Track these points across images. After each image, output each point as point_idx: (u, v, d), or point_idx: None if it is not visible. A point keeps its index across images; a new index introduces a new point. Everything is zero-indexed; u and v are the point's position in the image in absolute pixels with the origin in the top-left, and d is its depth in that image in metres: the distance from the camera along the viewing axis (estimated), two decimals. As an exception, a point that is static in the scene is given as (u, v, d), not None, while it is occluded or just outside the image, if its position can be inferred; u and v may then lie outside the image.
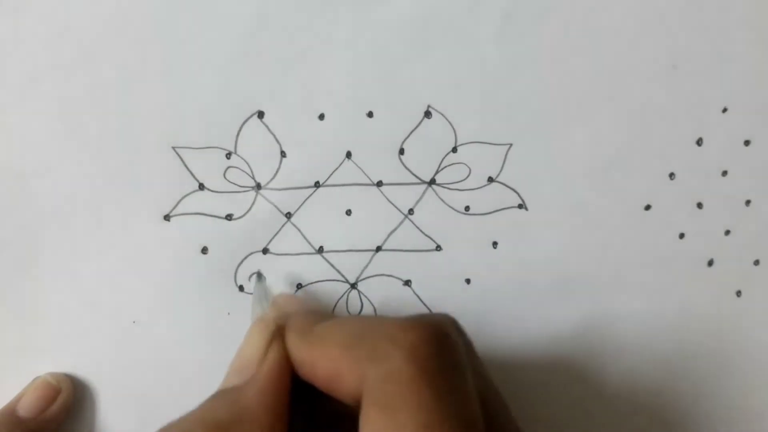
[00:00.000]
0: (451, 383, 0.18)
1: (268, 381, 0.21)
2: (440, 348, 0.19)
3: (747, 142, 0.31)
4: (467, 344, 0.22)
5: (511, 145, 0.30)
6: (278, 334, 0.22)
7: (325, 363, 0.20)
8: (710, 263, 0.32)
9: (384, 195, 0.30)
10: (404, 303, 0.31)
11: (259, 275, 0.30)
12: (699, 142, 0.31)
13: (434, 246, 0.31)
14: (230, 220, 0.30)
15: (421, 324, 0.19)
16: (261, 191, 0.30)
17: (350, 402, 0.19)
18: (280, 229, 0.30)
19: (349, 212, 0.30)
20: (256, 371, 0.21)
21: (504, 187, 0.31)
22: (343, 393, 0.19)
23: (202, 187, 0.30)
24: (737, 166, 0.31)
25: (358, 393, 0.18)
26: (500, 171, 0.31)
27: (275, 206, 0.30)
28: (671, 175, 0.31)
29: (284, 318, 0.23)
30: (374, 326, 0.19)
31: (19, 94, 0.28)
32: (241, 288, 0.30)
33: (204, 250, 0.30)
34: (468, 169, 0.30)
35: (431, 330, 0.19)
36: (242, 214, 0.30)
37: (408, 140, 0.30)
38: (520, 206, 0.31)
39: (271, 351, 0.21)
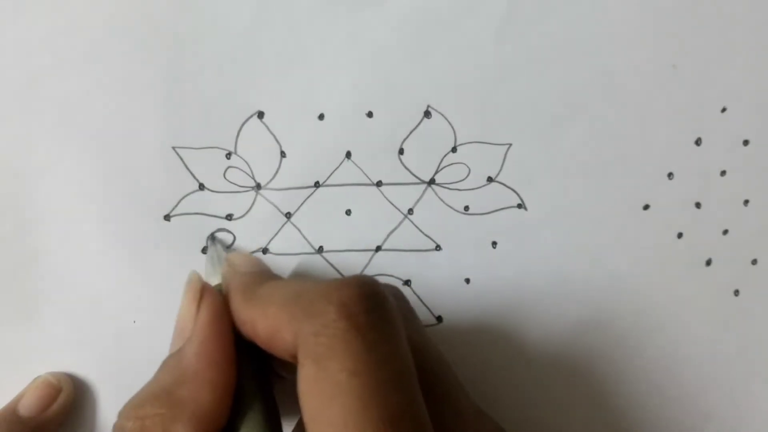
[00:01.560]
0: (381, 335, 0.19)
1: (203, 337, 0.21)
2: (371, 304, 0.19)
3: (746, 142, 0.31)
4: (406, 309, 0.24)
5: (510, 145, 0.30)
6: (208, 290, 0.23)
7: (264, 321, 0.20)
8: (708, 263, 0.32)
9: (384, 195, 0.30)
10: (404, 302, 0.31)
11: (213, 237, 0.30)
12: (698, 141, 0.31)
13: (434, 246, 0.31)
14: (230, 220, 0.30)
15: (354, 282, 0.20)
16: (261, 191, 0.30)
17: (289, 359, 0.20)
18: (280, 229, 0.30)
19: (348, 212, 0.31)
20: (193, 330, 0.22)
21: (503, 187, 0.31)
22: (281, 350, 0.20)
23: (202, 187, 0.30)
24: (736, 165, 0.32)
25: (294, 349, 0.19)
26: (500, 171, 0.31)
27: (275, 206, 0.30)
28: (670, 175, 0.31)
29: (227, 279, 0.24)
30: (311, 286, 0.20)
31: (19, 94, 0.28)
32: (241, 288, 0.31)
33: (204, 250, 0.30)
34: (467, 169, 0.30)
35: (363, 288, 0.19)
36: (242, 214, 0.30)
37: (408, 140, 0.30)
38: (519, 206, 0.31)
39: (202, 309, 0.22)
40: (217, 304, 0.22)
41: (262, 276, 0.24)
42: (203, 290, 0.23)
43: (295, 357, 0.19)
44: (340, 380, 0.17)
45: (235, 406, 0.21)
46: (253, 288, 0.22)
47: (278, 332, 0.20)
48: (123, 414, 0.20)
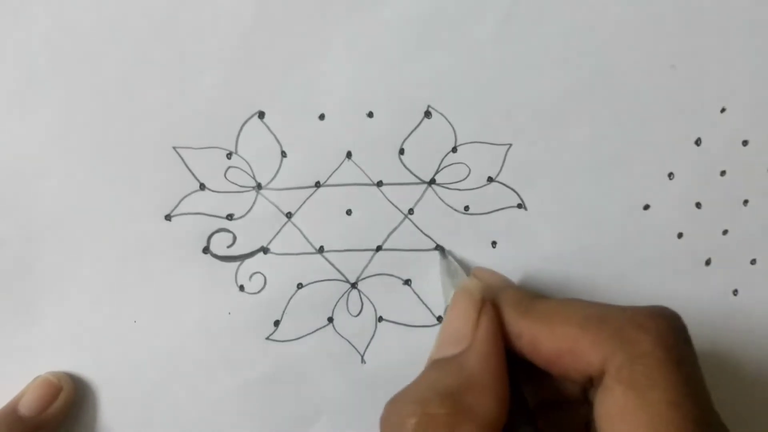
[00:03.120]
0: (693, 369, 0.20)
1: (487, 348, 0.21)
2: (684, 337, 0.20)
3: (745, 143, 0.31)
4: None
5: (510, 145, 0.30)
6: (488, 302, 0.23)
7: (553, 340, 0.21)
8: (708, 262, 0.32)
9: (384, 195, 0.30)
10: (404, 302, 0.31)
11: (442, 250, 0.30)
12: (698, 142, 0.31)
13: (434, 246, 0.31)
14: (231, 219, 0.30)
15: (665, 312, 0.21)
16: (261, 191, 0.30)
17: (578, 379, 0.21)
18: (280, 229, 0.30)
19: (349, 212, 0.31)
20: (474, 339, 0.22)
21: (503, 187, 0.31)
22: (573, 369, 0.21)
23: (202, 187, 0.30)
24: (735, 166, 0.32)
25: (596, 371, 0.20)
26: (500, 171, 0.31)
27: (276, 206, 0.30)
28: (670, 175, 0.31)
29: (488, 290, 0.24)
30: (613, 311, 0.21)
31: (19, 94, 0.28)
32: (241, 288, 0.31)
33: (204, 250, 0.30)
34: (468, 169, 0.31)
35: (676, 320, 0.20)
36: (243, 213, 0.30)
37: (408, 140, 0.30)
38: (519, 206, 0.31)
39: (485, 319, 0.22)
40: (497, 318, 0.22)
41: (527, 292, 0.24)
42: (485, 301, 0.23)
43: (589, 379, 0.20)
44: (660, 411, 0.18)
45: (508, 421, 0.21)
46: (528, 303, 0.23)
47: (574, 353, 0.20)
48: (402, 409, 0.20)
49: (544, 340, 0.21)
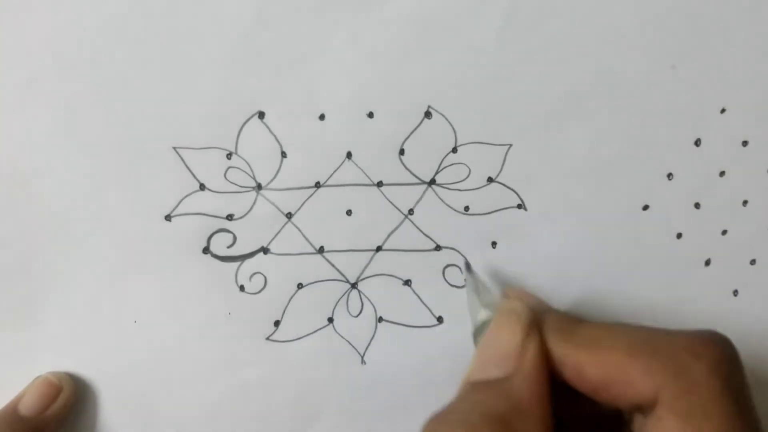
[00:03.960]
0: (747, 400, 0.20)
1: (535, 373, 0.21)
2: (738, 366, 0.20)
3: (745, 143, 0.32)
4: None
5: (510, 145, 0.30)
6: (535, 326, 0.22)
7: (600, 367, 0.20)
8: (707, 263, 0.32)
9: (384, 195, 0.30)
10: (404, 302, 0.31)
11: (468, 266, 0.30)
12: (697, 142, 0.31)
13: (434, 246, 0.31)
14: (231, 220, 0.30)
15: (720, 341, 0.20)
16: (262, 191, 0.30)
17: (627, 407, 0.20)
18: (280, 230, 0.30)
19: (349, 212, 0.31)
20: (520, 363, 0.21)
21: (503, 187, 0.31)
22: (620, 397, 0.20)
23: (202, 187, 0.30)
24: (735, 166, 0.32)
25: (647, 401, 0.19)
26: (500, 171, 0.31)
27: (276, 206, 0.30)
28: (669, 176, 0.31)
29: (530, 312, 0.23)
30: (662, 337, 0.20)
31: (19, 94, 0.28)
32: (241, 288, 0.31)
33: (205, 251, 0.30)
34: (468, 169, 0.31)
35: (730, 348, 0.20)
36: (243, 214, 0.30)
37: (408, 140, 0.30)
38: (519, 206, 0.31)
39: (532, 343, 0.22)
40: (542, 341, 0.22)
41: (569, 316, 0.24)
42: (531, 324, 0.22)
43: (639, 407, 0.20)
44: None
45: None
46: (572, 328, 0.22)
47: (624, 381, 0.20)
48: (448, 426, 0.20)
49: (590, 367, 0.21)
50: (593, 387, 0.21)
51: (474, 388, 0.22)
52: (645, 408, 0.20)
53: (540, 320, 0.23)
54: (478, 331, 0.26)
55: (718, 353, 0.20)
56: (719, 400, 0.18)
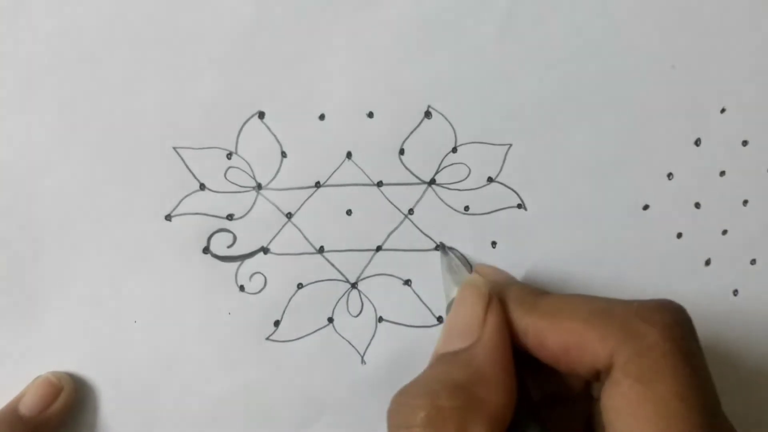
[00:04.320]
0: (699, 361, 0.20)
1: (496, 342, 0.21)
2: (690, 330, 0.20)
3: (745, 143, 0.32)
4: None
5: (510, 145, 0.30)
6: (494, 297, 0.23)
7: (560, 334, 0.21)
8: (707, 262, 0.32)
9: (384, 195, 0.30)
10: (404, 302, 0.31)
11: (443, 246, 0.30)
12: (697, 142, 0.31)
13: (434, 246, 0.31)
14: (231, 220, 0.30)
15: (671, 306, 0.21)
16: (262, 191, 0.30)
17: (584, 374, 0.21)
18: (280, 229, 0.30)
19: (349, 212, 0.31)
20: (482, 334, 0.22)
21: (503, 187, 0.31)
22: (579, 364, 0.21)
23: (202, 187, 0.30)
24: (735, 166, 0.32)
25: (603, 365, 0.20)
26: (500, 171, 0.31)
27: (276, 206, 0.30)
28: (669, 175, 0.31)
29: (493, 286, 0.24)
30: (619, 305, 0.21)
31: (19, 94, 0.28)
32: (241, 288, 0.31)
33: (205, 251, 0.30)
34: (468, 169, 0.31)
35: (682, 313, 0.21)
36: (243, 214, 0.30)
37: (408, 140, 0.30)
38: (519, 206, 0.31)
39: (492, 314, 0.22)
40: (503, 313, 0.23)
41: (530, 288, 0.24)
42: (491, 296, 0.23)
43: (596, 373, 0.20)
44: (667, 402, 0.18)
45: (514, 416, 0.21)
46: (533, 300, 0.23)
47: (581, 347, 0.20)
48: (411, 401, 0.20)
49: (550, 335, 0.21)
50: (554, 355, 0.21)
51: (438, 359, 0.22)
52: (602, 373, 0.20)
53: (503, 293, 0.23)
54: (449, 309, 0.27)
55: (669, 318, 0.20)
56: (671, 361, 0.19)
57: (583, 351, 0.20)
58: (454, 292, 0.27)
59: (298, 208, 0.30)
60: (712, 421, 0.18)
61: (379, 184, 0.30)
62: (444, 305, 0.29)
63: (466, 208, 0.31)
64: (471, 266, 0.31)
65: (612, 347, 0.20)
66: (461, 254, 0.31)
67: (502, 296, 0.23)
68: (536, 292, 0.24)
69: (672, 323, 0.20)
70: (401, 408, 0.21)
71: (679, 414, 0.18)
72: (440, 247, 0.30)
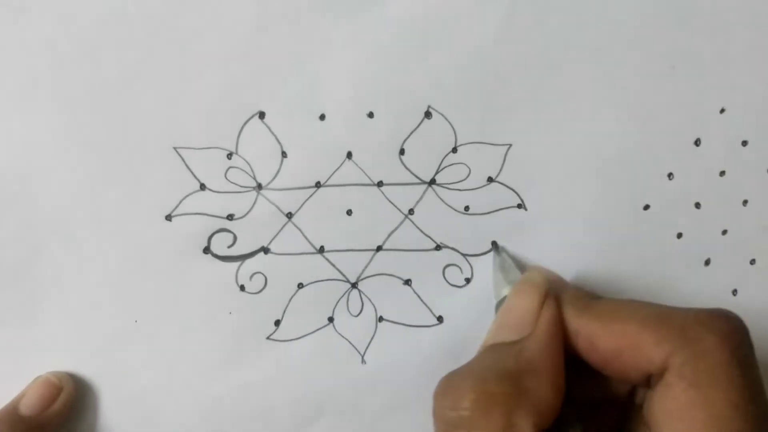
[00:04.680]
0: (755, 372, 0.20)
1: (549, 336, 0.22)
2: (747, 340, 0.20)
3: (745, 143, 0.32)
4: None
5: (510, 145, 0.30)
6: (550, 293, 0.23)
7: (612, 337, 0.21)
8: (707, 262, 0.32)
9: (384, 195, 0.31)
10: (404, 302, 0.31)
11: (496, 245, 0.30)
12: (697, 142, 0.31)
13: (434, 246, 0.31)
14: (231, 220, 0.30)
15: (730, 316, 0.21)
16: (262, 191, 0.30)
17: (634, 377, 0.21)
18: (281, 229, 0.30)
19: (349, 212, 0.31)
20: (535, 328, 0.22)
21: (503, 187, 0.31)
22: (632, 367, 0.21)
23: (203, 187, 0.30)
24: (735, 166, 0.32)
25: (657, 369, 0.20)
26: (500, 171, 0.31)
27: (276, 206, 0.30)
28: (670, 175, 0.31)
29: (549, 285, 0.24)
30: (676, 311, 0.21)
31: (19, 94, 0.28)
32: (242, 288, 0.31)
33: (205, 251, 0.30)
34: (468, 169, 0.31)
35: (740, 323, 0.21)
36: (243, 214, 0.30)
37: (408, 140, 0.30)
38: (519, 206, 0.31)
39: (547, 309, 0.22)
40: (558, 310, 0.23)
41: (585, 291, 0.25)
42: (548, 292, 0.23)
43: (647, 377, 0.20)
44: (721, 410, 0.18)
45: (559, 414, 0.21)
46: (587, 302, 0.23)
47: (635, 350, 0.20)
48: (461, 384, 0.20)
49: (603, 337, 0.21)
50: (605, 358, 0.21)
51: (488, 349, 0.22)
52: (654, 377, 0.20)
53: (558, 292, 0.24)
54: (499, 305, 0.27)
55: (728, 326, 0.20)
56: (727, 369, 0.19)
57: (638, 354, 0.20)
58: (506, 290, 0.27)
59: (299, 208, 0.30)
60: (763, 427, 0.18)
61: (380, 184, 0.30)
62: (493, 304, 0.29)
63: (467, 208, 0.31)
64: (523, 267, 0.31)
65: (668, 351, 0.20)
66: (513, 254, 0.31)
67: (556, 295, 0.23)
68: (591, 295, 0.24)
69: (730, 331, 0.20)
70: (449, 390, 0.21)
71: (731, 421, 0.18)
72: (493, 245, 0.30)
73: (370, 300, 0.31)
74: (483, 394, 0.20)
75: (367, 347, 0.32)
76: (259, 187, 0.30)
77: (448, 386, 0.21)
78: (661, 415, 0.19)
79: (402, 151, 0.30)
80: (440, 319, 0.32)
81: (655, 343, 0.20)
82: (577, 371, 0.23)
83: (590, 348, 0.22)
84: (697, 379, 0.19)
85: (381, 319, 0.32)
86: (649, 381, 0.21)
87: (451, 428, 0.20)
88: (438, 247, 0.31)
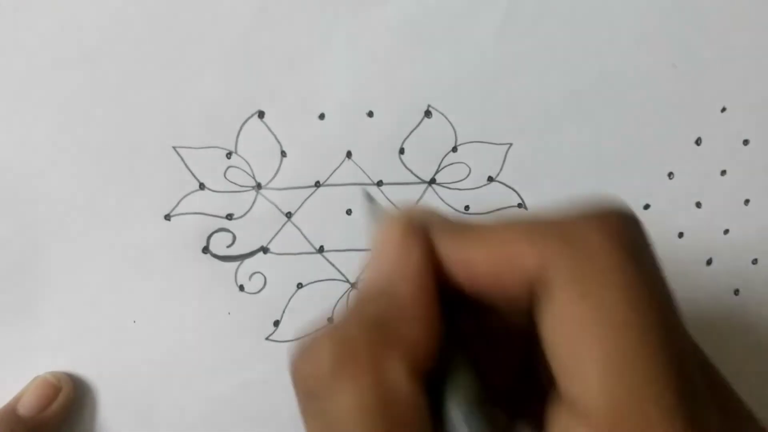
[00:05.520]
0: (653, 265, 0.17)
1: (413, 273, 0.19)
2: (640, 233, 0.17)
3: (746, 142, 0.31)
4: None
5: (510, 144, 0.30)
6: (418, 229, 0.20)
7: (489, 254, 0.18)
8: (709, 262, 0.32)
9: (384, 194, 0.30)
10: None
11: (368, 195, 0.28)
12: (698, 141, 0.31)
13: (434, 245, 0.31)
14: (231, 219, 0.30)
15: (616, 208, 0.17)
16: (261, 191, 0.30)
17: (518, 292, 0.17)
18: (280, 229, 0.30)
19: (349, 212, 0.31)
20: (398, 265, 0.19)
21: (504, 186, 0.31)
22: (511, 285, 0.17)
23: (202, 186, 0.30)
24: (736, 165, 0.32)
25: (538, 279, 0.17)
26: (500, 171, 0.31)
27: (275, 206, 0.30)
28: (670, 175, 0.31)
29: (417, 219, 0.20)
30: (555, 214, 0.18)
31: (18, 94, 0.28)
32: (241, 288, 0.31)
33: (204, 250, 0.30)
34: (468, 169, 0.30)
35: (628, 214, 0.17)
36: (243, 213, 0.30)
37: (408, 140, 0.30)
38: (519, 206, 0.31)
39: (416, 247, 0.19)
40: (427, 243, 0.19)
41: (462, 219, 0.21)
42: (410, 226, 0.20)
43: (531, 290, 0.17)
44: (617, 313, 0.15)
45: (440, 355, 0.19)
46: (462, 229, 0.19)
47: (512, 263, 0.17)
48: (314, 348, 0.17)
49: (479, 260, 0.18)
50: (485, 283, 0.18)
51: (354, 299, 0.20)
52: (540, 291, 0.17)
53: (429, 225, 0.20)
54: None
55: (615, 221, 0.17)
56: (620, 269, 0.16)
57: (515, 269, 0.17)
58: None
59: (298, 208, 0.30)
60: (670, 332, 0.16)
61: (379, 183, 0.30)
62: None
63: (467, 207, 0.31)
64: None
65: (547, 257, 0.17)
66: (390, 201, 0.29)
67: (428, 228, 0.20)
68: (465, 221, 0.20)
69: (619, 227, 0.17)
70: (305, 353, 0.17)
71: (632, 326, 0.15)
72: (364, 193, 0.27)
73: (369, 300, 0.31)
74: (344, 347, 0.17)
75: (367, 347, 0.32)
76: (259, 186, 0.30)
77: (304, 349, 0.17)
78: (551, 329, 0.16)
79: (402, 151, 0.30)
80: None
81: (533, 248, 0.17)
82: (469, 312, 0.20)
83: (470, 275, 0.19)
84: (585, 284, 0.16)
85: (381, 319, 0.31)
86: (535, 294, 0.17)
87: (308, 396, 0.17)
88: (363, 191, 0.30)
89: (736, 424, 0.18)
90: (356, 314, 0.18)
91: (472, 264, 0.18)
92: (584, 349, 0.16)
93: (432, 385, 0.17)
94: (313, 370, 0.17)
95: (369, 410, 0.16)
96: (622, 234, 0.16)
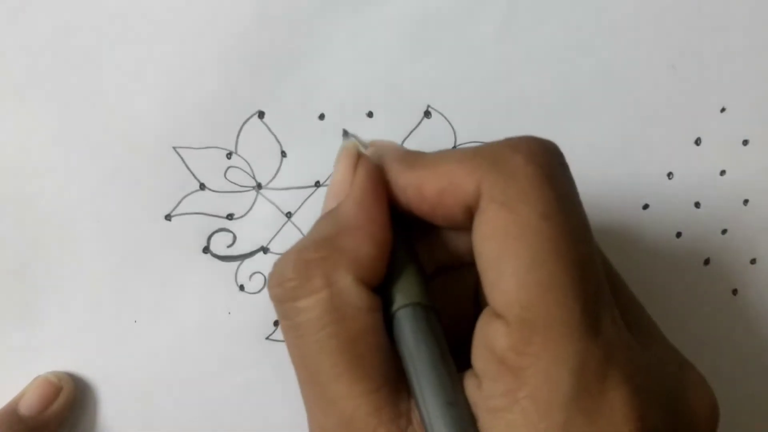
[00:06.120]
0: (567, 185, 0.19)
1: (361, 195, 0.21)
2: (558, 158, 0.20)
3: (745, 142, 0.32)
4: None
5: (510, 144, 0.30)
6: (364, 156, 0.23)
7: (433, 180, 0.21)
8: (707, 262, 0.32)
9: (384, 195, 0.30)
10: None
11: (346, 132, 0.29)
12: (697, 141, 0.31)
13: (434, 245, 0.31)
14: (231, 219, 0.30)
15: (539, 138, 0.20)
16: (261, 191, 0.30)
17: (459, 213, 0.20)
18: (280, 229, 0.30)
19: (349, 212, 0.31)
20: (348, 190, 0.22)
21: (503, 186, 0.31)
22: (452, 205, 0.20)
23: (202, 186, 0.30)
24: (735, 165, 0.32)
25: (474, 198, 0.19)
26: (500, 171, 0.31)
27: (276, 206, 0.30)
28: (669, 175, 0.31)
29: (373, 151, 0.24)
30: (491, 143, 0.20)
31: (19, 94, 0.28)
32: (241, 287, 0.31)
33: (205, 250, 0.30)
34: (468, 169, 0.30)
35: (549, 142, 0.20)
36: (243, 213, 0.30)
37: (408, 140, 0.30)
38: (519, 206, 0.31)
39: (359, 170, 0.22)
40: (373, 167, 0.22)
41: (415, 150, 0.24)
42: (360, 156, 0.23)
43: (469, 209, 0.20)
44: (531, 222, 0.18)
45: (390, 269, 0.21)
46: (414, 157, 0.22)
47: (453, 186, 0.20)
48: (283, 258, 0.21)
49: (427, 184, 0.21)
50: (432, 204, 0.21)
51: (315, 223, 0.22)
52: (474, 210, 0.20)
53: (382, 155, 0.23)
54: None
55: (535, 145, 0.19)
56: (535, 184, 0.18)
57: (456, 190, 0.20)
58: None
59: (298, 208, 0.30)
60: (577, 241, 0.18)
61: (379, 183, 0.30)
62: None
63: (466, 207, 0.31)
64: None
65: (479, 177, 0.19)
66: (363, 141, 0.29)
67: (380, 156, 0.23)
68: (421, 152, 0.23)
69: (538, 150, 0.19)
70: (275, 269, 0.21)
71: (544, 234, 0.18)
72: (344, 132, 0.27)
73: (369, 300, 0.31)
74: (300, 262, 0.20)
75: (366, 347, 0.32)
76: (259, 186, 0.30)
77: (275, 267, 0.21)
78: (479, 241, 0.19)
79: (402, 151, 0.30)
80: (440, 318, 0.32)
81: (468, 173, 0.20)
82: (426, 239, 0.23)
83: (419, 199, 0.21)
84: (507, 198, 0.18)
85: (381, 318, 0.32)
86: (471, 213, 0.20)
87: (280, 304, 0.20)
88: (343, 132, 0.30)
89: (635, 326, 0.21)
90: (312, 234, 0.21)
91: (420, 188, 0.21)
92: (502, 254, 0.18)
93: (388, 293, 0.20)
94: (280, 281, 0.20)
95: (323, 313, 0.19)
96: (540, 156, 0.19)
